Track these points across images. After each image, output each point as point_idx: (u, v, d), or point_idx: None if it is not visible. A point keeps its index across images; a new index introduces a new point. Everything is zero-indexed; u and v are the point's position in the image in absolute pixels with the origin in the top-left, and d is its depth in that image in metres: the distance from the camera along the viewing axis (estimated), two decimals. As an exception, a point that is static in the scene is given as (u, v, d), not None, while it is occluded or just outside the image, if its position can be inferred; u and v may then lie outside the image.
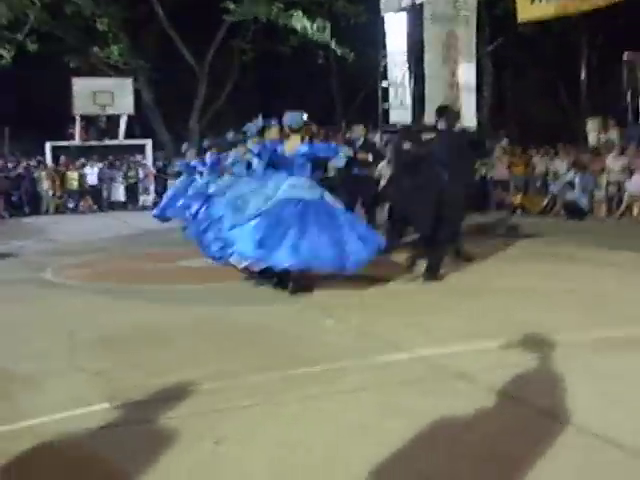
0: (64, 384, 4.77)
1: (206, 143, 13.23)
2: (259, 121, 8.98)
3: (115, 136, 24.58)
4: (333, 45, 24.19)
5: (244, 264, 7.77)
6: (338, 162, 8.73)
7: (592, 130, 20.11)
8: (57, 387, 4.71)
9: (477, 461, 3.47)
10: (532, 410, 4.05)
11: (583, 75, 25.04)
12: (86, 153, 25.25)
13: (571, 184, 16.58)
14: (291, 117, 8.33)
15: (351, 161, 10.05)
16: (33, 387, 4.72)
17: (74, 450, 3.78)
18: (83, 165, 24.49)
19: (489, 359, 5.01)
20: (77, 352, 5.60)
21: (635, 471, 3.36)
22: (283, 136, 8.48)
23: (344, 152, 8.50)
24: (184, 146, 15.51)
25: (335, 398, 4.34)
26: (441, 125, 9.05)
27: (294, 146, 8.12)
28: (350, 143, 11.94)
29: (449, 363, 4.94)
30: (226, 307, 7.35)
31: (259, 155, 8.48)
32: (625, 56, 19.92)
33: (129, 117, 24.63)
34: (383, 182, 12.42)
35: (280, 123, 8.55)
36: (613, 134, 18.42)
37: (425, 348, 5.32)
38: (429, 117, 20.34)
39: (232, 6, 23.92)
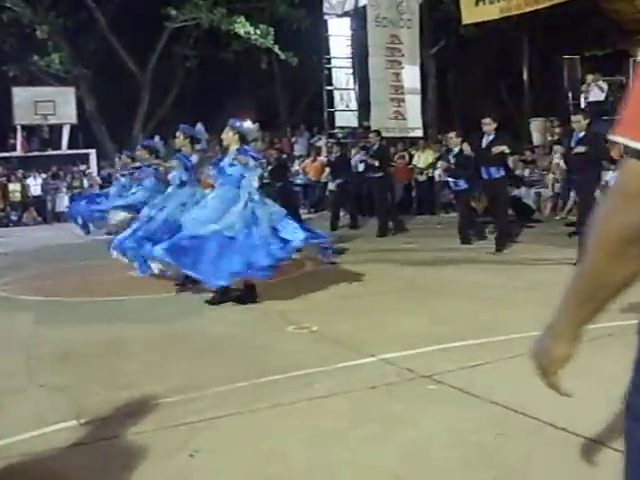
0: (27, 403, 4.65)
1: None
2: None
3: (58, 146, 24.20)
4: (276, 50, 24.14)
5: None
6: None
7: (536, 130, 20.45)
8: (20, 406, 4.59)
9: (453, 462, 3.47)
10: (502, 409, 4.07)
11: (525, 75, 25.35)
12: (29, 164, 24.81)
13: (519, 181, 16.78)
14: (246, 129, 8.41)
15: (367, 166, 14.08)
16: (-7, 407, 4.59)
17: (42, 471, 3.69)
18: (25, 176, 24.07)
19: (455, 360, 5.02)
20: (37, 369, 5.45)
21: (609, 463, 3.38)
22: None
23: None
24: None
25: (306, 405, 4.31)
26: None
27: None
28: (365, 149, 14.47)
29: (416, 365, 4.94)
30: (185, 317, 7.28)
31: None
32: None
33: (72, 126, 24.27)
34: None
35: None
36: (558, 133, 18.72)
37: (390, 351, 5.31)
38: (375, 120, 20.51)
39: (173, 12, 23.78)
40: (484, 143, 11.20)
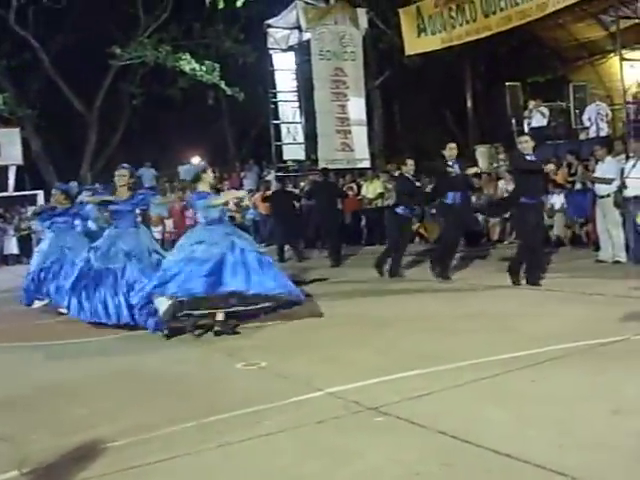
0: (-33, 453, 4.55)
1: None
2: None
3: (4, 188, 23.90)
4: (223, 86, 24.22)
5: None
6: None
7: (482, 156, 20.72)
8: (-40, 457, 4.49)
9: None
10: (449, 438, 4.10)
11: (469, 103, 25.75)
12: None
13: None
14: (185, 171, 9.25)
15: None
16: None
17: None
18: (-29, 220, 23.73)
19: (402, 390, 5.04)
20: (-21, 417, 5.35)
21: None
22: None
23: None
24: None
25: (253, 444, 4.28)
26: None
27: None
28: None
29: (363, 398, 4.95)
30: (130, 357, 7.21)
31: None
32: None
33: (18, 167, 24.01)
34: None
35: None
36: (502, 159, 18.99)
37: (337, 384, 5.31)
38: (322, 152, 20.67)
39: (118, 51, 23.76)
40: (455, 167, 10.96)
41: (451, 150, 11.09)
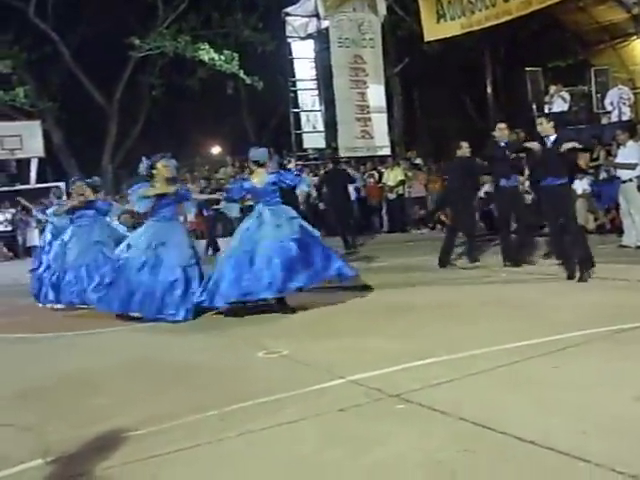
0: (-8, 442, 4.59)
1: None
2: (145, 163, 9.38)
3: (26, 180, 24.03)
4: (242, 75, 24.22)
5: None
6: (302, 188, 9.51)
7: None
8: (-15, 446, 4.53)
9: (423, 482, 3.47)
10: (471, 425, 4.07)
11: (489, 89, 25.59)
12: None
13: (488, 195, 16.86)
14: (258, 153, 9.03)
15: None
16: (-41, 448, 4.52)
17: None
18: (-6, 211, 23.91)
19: (423, 378, 5.02)
20: (2, 408, 5.38)
21: (577, 475, 3.40)
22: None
23: (307, 181, 9.76)
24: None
25: (275, 432, 4.28)
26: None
27: (262, 178, 8.80)
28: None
29: (384, 385, 4.93)
30: (151, 347, 7.26)
31: (228, 197, 9.17)
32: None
33: (40, 160, 24.12)
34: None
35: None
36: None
37: (359, 372, 5.30)
38: (342, 140, 20.62)
39: (137, 41, 23.79)
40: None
41: (501, 130, 10.49)
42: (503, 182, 10.40)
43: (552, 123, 9.37)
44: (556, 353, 5.41)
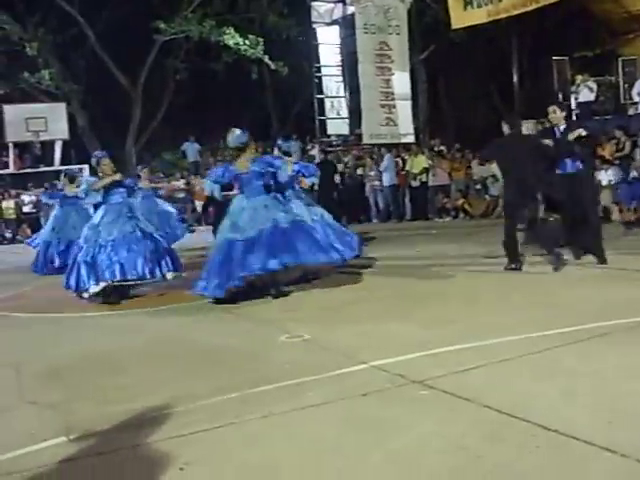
0: (16, 420, 4.62)
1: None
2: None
3: (51, 162, 24.15)
4: (266, 60, 24.18)
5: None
6: (282, 175, 8.81)
7: (527, 131, 20.44)
8: (9, 424, 4.56)
9: (444, 467, 3.45)
10: (496, 412, 4.04)
11: (515, 78, 25.41)
12: (21, 181, 24.79)
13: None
14: (234, 138, 8.75)
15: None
16: (-17, 425, 4.56)
17: (32, 488, 3.65)
18: (19, 193, 24.06)
19: (447, 364, 4.99)
20: (27, 386, 5.43)
21: (602, 465, 3.36)
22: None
23: (285, 166, 8.91)
24: None
25: (298, 415, 4.28)
26: None
27: (246, 164, 8.60)
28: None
29: (407, 371, 4.91)
30: (173, 329, 7.29)
31: (216, 180, 8.83)
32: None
33: (64, 142, 24.22)
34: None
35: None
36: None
37: (381, 357, 5.28)
38: (366, 127, 20.56)
39: (163, 25, 23.79)
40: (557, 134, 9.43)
41: (556, 114, 9.40)
42: (569, 167, 9.32)
43: (564, 113, 9.33)
44: (583, 342, 5.36)
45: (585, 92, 18.68)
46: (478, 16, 19.45)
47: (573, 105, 19.26)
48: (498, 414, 4.02)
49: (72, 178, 14.21)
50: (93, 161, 10.12)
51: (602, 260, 9.03)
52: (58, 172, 24.21)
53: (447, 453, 3.59)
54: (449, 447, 3.65)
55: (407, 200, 19.68)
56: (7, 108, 23.23)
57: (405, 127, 21.36)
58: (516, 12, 18.50)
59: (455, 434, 3.80)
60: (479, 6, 19.32)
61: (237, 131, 8.81)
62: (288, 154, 9.32)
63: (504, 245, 9.20)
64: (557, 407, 4.07)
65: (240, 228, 8.30)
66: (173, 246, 10.83)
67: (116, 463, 3.80)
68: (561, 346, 5.27)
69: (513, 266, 9.07)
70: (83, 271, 9.08)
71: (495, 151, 9.52)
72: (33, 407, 4.85)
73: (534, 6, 17.85)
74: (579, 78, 19.00)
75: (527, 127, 20.58)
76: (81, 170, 24.19)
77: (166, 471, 3.62)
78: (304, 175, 9.59)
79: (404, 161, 19.91)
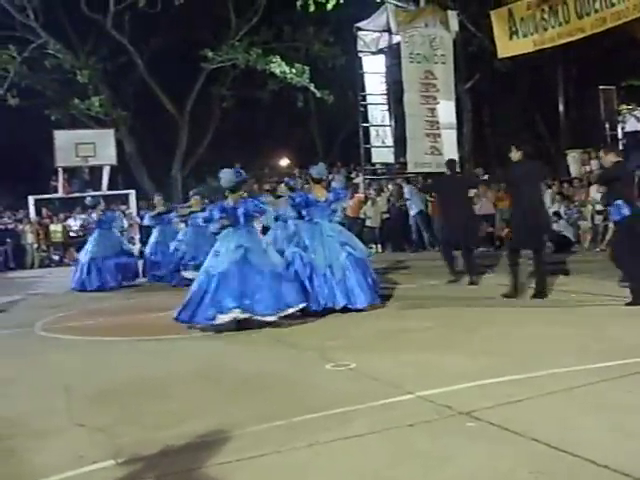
0: (66, 442, 4.67)
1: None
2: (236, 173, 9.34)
3: (98, 187, 24.50)
4: (312, 88, 24.38)
5: None
6: (266, 220, 10.36)
7: (573, 162, 20.32)
8: (59, 445, 4.61)
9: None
10: (544, 446, 4.00)
11: (560, 107, 25.26)
12: (69, 205, 25.21)
13: (557, 215, 16.65)
14: (317, 170, 9.71)
15: None
16: (34, 446, 4.61)
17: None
18: (67, 217, 24.45)
19: (494, 396, 4.96)
20: (76, 408, 5.49)
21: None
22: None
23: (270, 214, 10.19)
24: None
25: (344, 444, 4.27)
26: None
27: (323, 194, 9.54)
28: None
29: (454, 402, 4.88)
30: (220, 355, 7.33)
31: (295, 205, 9.67)
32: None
33: (112, 168, 24.58)
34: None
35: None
36: (595, 165, 18.59)
37: (428, 388, 5.26)
38: (411, 155, 20.56)
39: (210, 54, 24.15)
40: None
41: (511, 153, 9.89)
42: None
43: (520, 152, 9.75)
44: (632, 376, 5.29)
45: (632, 121, 18.52)
46: (524, 45, 19.40)
47: (620, 135, 19.12)
48: (547, 448, 3.97)
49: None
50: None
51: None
52: (105, 197, 24.66)
53: (497, 486, 3.56)
54: (499, 481, 3.62)
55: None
56: (58, 133, 23.65)
57: (450, 156, 21.13)
58: (562, 41, 18.42)
59: (504, 468, 3.77)
60: (525, 35, 19.27)
61: (228, 173, 9.08)
62: (293, 189, 10.22)
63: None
64: (607, 442, 4.01)
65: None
66: None
67: (163, 488, 3.83)
68: (609, 379, 5.21)
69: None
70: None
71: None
72: (82, 430, 4.90)
73: (580, 35, 17.76)
74: (625, 108, 18.85)
75: (572, 157, 20.49)
76: (127, 195, 24.64)
77: (213, 497, 3.64)
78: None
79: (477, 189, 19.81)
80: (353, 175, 24.45)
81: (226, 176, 8.98)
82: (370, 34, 22.21)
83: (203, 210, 11.54)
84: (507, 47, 19.76)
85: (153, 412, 5.23)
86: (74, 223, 24.25)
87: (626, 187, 9.14)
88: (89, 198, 16.85)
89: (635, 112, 18.86)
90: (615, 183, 9.14)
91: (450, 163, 12.55)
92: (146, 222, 16.68)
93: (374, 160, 22.79)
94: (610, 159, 9.33)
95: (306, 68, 24.12)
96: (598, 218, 16.39)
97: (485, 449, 4.06)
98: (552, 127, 26.74)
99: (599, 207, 16.37)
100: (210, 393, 5.74)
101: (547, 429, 4.25)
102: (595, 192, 16.67)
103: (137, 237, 23.81)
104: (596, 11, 17.04)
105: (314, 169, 9.79)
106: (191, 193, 12.99)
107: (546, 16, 18.46)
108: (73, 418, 5.19)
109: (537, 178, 10.28)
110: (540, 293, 9.53)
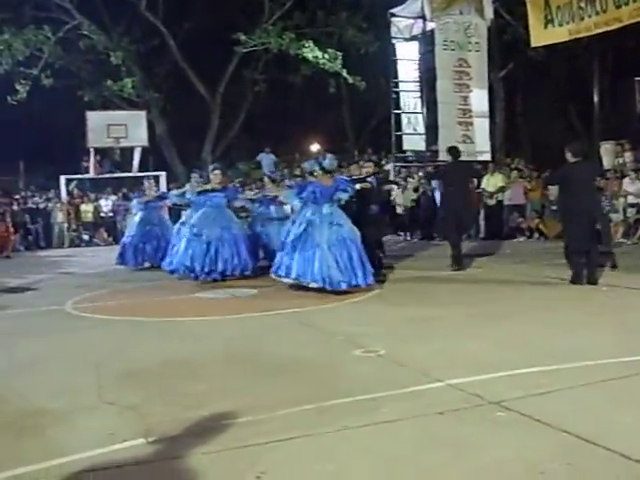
0: (96, 419, 4.71)
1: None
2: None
3: (129, 168, 24.64)
4: (344, 74, 24.30)
5: None
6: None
7: (606, 153, 20.09)
8: (89, 423, 4.65)
9: (524, 492, 3.41)
10: (575, 438, 3.97)
11: (595, 98, 24.98)
12: (100, 185, 25.38)
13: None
14: (329, 162, 10.30)
15: None
16: (64, 423, 4.66)
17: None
18: (97, 198, 24.62)
19: (525, 386, 4.93)
20: (106, 386, 5.53)
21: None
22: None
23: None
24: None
25: (372, 430, 4.27)
26: None
27: (329, 182, 10.16)
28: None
29: (484, 391, 4.86)
30: (250, 338, 7.33)
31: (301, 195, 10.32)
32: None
33: (143, 149, 24.69)
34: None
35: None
36: (628, 157, 18.38)
37: (458, 376, 5.24)
38: (443, 143, 20.43)
39: (243, 37, 24.15)
40: None
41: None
42: None
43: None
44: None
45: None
46: (559, 34, 19.13)
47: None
48: (577, 440, 3.95)
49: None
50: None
51: None
52: (136, 178, 24.80)
53: (523, 478, 3.54)
54: (527, 472, 3.60)
55: (481, 218, 19.46)
56: (90, 114, 23.78)
57: (482, 145, 21.13)
58: (598, 31, 18.13)
59: (533, 459, 3.74)
60: (560, 24, 19.01)
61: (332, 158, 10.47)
62: (311, 174, 10.52)
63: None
64: (639, 436, 3.98)
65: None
66: None
67: (193, 468, 3.84)
68: (642, 374, 5.16)
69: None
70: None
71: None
72: (112, 407, 4.94)
73: (617, 25, 17.48)
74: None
75: (605, 148, 20.26)
76: (157, 177, 24.70)
77: (242, 479, 3.65)
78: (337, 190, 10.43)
79: (480, 180, 19.72)
80: (383, 162, 24.36)
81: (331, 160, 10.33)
82: (404, 20, 22.08)
83: (224, 189, 11.88)
84: (542, 36, 19.51)
85: (183, 392, 5.26)
86: (105, 203, 24.43)
87: (566, 192, 9.77)
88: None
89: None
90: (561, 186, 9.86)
91: (452, 150, 12.89)
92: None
93: (405, 147, 22.69)
94: (567, 158, 9.75)
95: (339, 54, 24.06)
96: (630, 211, 16.23)
97: (515, 439, 4.04)
98: (586, 118, 26.46)
99: (632, 200, 16.22)
100: (240, 375, 5.75)
101: (579, 421, 4.22)
102: (628, 184, 16.50)
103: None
104: (634, 1, 16.78)
105: (326, 160, 10.37)
106: (211, 167, 12.73)
107: (583, 4, 18.17)
108: (103, 396, 5.23)
109: (591, 178, 10.29)
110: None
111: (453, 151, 12.77)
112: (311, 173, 10.74)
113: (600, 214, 10.78)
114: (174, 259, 11.85)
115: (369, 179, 11.47)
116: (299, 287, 9.96)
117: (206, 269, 11.45)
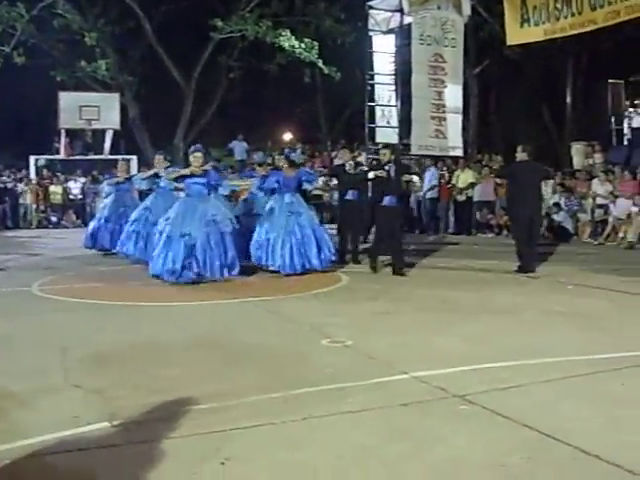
0: (61, 402, 4.70)
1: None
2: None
3: (100, 151, 24.44)
4: (320, 64, 24.26)
5: None
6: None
7: (577, 154, 20.31)
8: (53, 405, 4.65)
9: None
10: (536, 432, 4.04)
11: (568, 98, 25.18)
12: (70, 167, 25.15)
13: (557, 206, 16.67)
14: (297, 156, 11.74)
15: None
16: (29, 405, 4.65)
17: (72, 471, 3.71)
18: (67, 179, 24.40)
19: (488, 381, 5.00)
20: (72, 369, 5.52)
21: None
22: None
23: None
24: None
25: (338, 419, 4.31)
26: None
27: (292, 174, 11.07)
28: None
29: (448, 385, 4.92)
30: (219, 325, 7.34)
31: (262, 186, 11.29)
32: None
33: (115, 132, 24.51)
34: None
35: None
36: (598, 158, 18.58)
37: (423, 369, 5.30)
38: (415, 137, 20.49)
39: (220, 23, 24.00)
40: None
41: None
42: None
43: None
44: (628, 369, 5.33)
45: (638, 118, 18.49)
46: (534, 34, 19.24)
47: (626, 130, 19.08)
48: (538, 434, 4.02)
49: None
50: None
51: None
52: (107, 161, 24.62)
53: (485, 470, 3.60)
54: (487, 464, 3.66)
55: (450, 214, 19.60)
56: (62, 95, 23.57)
57: (454, 140, 21.17)
58: (573, 32, 18.26)
59: (494, 452, 3.81)
60: (536, 24, 19.12)
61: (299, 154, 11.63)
62: (294, 163, 11.33)
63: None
64: (599, 433, 4.05)
65: None
66: None
67: (157, 452, 3.85)
68: (606, 371, 5.25)
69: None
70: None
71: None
72: (78, 391, 4.93)
73: (592, 27, 17.61)
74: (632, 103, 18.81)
75: (577, 149, 20.47)
76: (129, 161, 24.54)
77: (206, 464, 3.67)
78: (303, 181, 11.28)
79: (450, 175, 19.85)
80: (356, 153, 24.37)
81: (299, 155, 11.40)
82: (382, 13, 22.02)
83: (205, 174, 10.27)
84: (517, 35, 19.61)
85: (150, 377, 5.26)
86: (74, 185, 24.22)
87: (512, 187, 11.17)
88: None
89: (641, 108, 18.86)
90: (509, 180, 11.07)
91: (526, 148, 11.31)
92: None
93: (378, 140, 22.69)
94: (516, 155, 11.07)
95: (315, 44, 23.97)
96: (598, 212, 16.42)
97: (477, 432, 4.10)
98: (558, 118, 26.65)
99: (600, 201, 16.41)
100: (208, 361, 5.77)
101: (540, 416, 4.29)
102: (597, 185, 16.69)
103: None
104: (610, 4, 16.89)
105: (294, 154, 11.48)
106: (192, 149, 11.03)
107: (559, 5, 18.27)
108: (68, 379, 5.22)
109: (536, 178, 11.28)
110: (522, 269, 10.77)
111: (528, 149, 11.32)
112: (260, 164, 12.14)
113: (538, 215, 11.61)
114: (156, 264, 10.02)
115: (386, 167, 10.93)
116: (260, 269, 10.92)
117: (191, 274, 9.90)
